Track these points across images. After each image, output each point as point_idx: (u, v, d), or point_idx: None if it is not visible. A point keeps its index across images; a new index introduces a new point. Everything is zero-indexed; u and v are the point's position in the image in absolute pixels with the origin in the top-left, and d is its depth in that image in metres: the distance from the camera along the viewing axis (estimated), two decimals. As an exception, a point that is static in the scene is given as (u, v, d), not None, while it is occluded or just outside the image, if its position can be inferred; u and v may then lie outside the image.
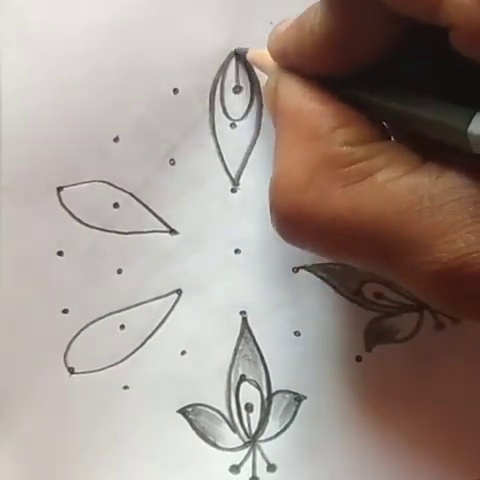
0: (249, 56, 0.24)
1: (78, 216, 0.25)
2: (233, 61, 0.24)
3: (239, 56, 0.24)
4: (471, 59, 0.15)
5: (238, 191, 0.26)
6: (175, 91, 0.24)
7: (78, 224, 0.25)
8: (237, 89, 0.25)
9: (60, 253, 0.25)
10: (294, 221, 0.18)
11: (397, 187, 0.17)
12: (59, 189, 0.25)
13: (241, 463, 0.26)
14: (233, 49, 0.24)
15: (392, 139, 0.19)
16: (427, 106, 0.17)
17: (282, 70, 0.20)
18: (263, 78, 0.24)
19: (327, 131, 0.18)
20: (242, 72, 0.25)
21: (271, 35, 0.21)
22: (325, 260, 0.26)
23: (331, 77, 0.19)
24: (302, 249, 0.19)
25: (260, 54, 0.22)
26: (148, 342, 0.26)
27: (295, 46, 0.19)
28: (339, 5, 0.17)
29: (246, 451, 0.26)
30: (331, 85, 0.19)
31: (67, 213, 0.25)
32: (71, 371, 0.26)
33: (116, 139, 0.25)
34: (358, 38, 0.17)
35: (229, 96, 0.25)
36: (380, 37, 0.17)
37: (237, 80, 0.25)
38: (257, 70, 0.24)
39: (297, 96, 0.19)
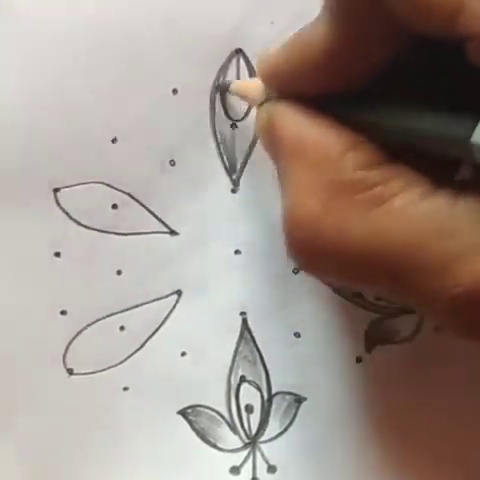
0: (233, 88, 0.23)
1: (75, 217, 0.25)
2: (234, 61, 0.24)
3: (222, 90, 0.24)
4: None
5: (238, 192, 0.26)
6: (174, 91, 0.24)
7: (75, 225, 0.25)
8: (238, 89, 0.25)
9: (57, 254, 0.25)
10: (312, 252, 0.18)
11: (416, 212, 0.16)
12: (56, 190, 0.25)
13: (241, 464, 0.26)
14: (234, 49, 0.24)
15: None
16: (428, 119, 0.17)
17: (275, 98, 0.19)
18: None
19: (336, 157, 0.17)
20: (243, 72, 0.24)
21: (260, 61, 0.20)
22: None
23: (331, 97, 0.18)
24: (320, 278, 0.19)
25: (245, 85, 0.21)
26: (148, 343, 0.26)
27: (293, 66, 0.18)
28: (343, 18, 0.17)
29: (246, 452, 0.26)
30: (331, 108, 0.18)
31: (64, 214, 0.25)
32: (70, 372, 0.26)
33: (114, 140, 0.24)
34: (362, 52, 0.17)
35: (230, 96, 0.24)
36: (383, 50, 0.17)
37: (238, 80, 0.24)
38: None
39: (297, 123, 0.18)
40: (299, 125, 0.18)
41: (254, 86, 0.20)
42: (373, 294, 0.19)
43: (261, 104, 0.20)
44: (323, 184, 0.17)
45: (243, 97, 0.22)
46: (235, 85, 0.23)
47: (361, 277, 0.18)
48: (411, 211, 0.17)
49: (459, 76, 0.17)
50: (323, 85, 0.18)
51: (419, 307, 0.17)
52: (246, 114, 0.25)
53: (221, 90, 0.24)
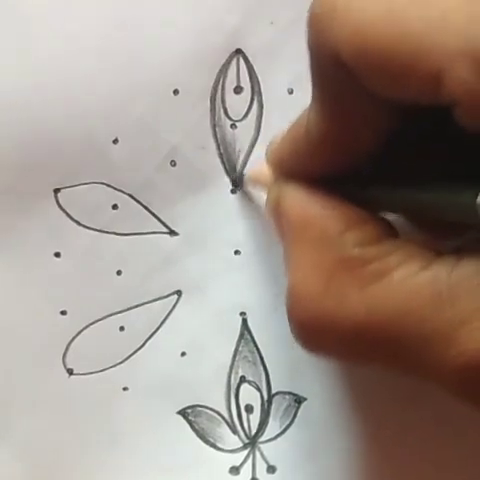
0: (248, 176, 0.24)
1: (76, 217, 0.25)
2: (234, 61, 0.24)
3: (236, 190, 0.25)
4: (478, 133, 0.15)
5: (238, 192, 0.26)
6: (175, 92, 0.24)
7: (76, 225, 0.25)
8: (238, 89, 0.24)
9: (57, 254, 0.25)
10: (313, 329, 0.18)
11: (415, 283, 0.16)
12: (56, 190, 0.25)
13: (241, 464, 0.26)
14: (234, 49, 0.24)
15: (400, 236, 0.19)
16: (430, 188, 0.17)
17: (282, 181, 0.20)
18: (263, 77, 0.25)
19: (336, 235, 0.18)
20: (243, 72, 0.24)
21: (268, 147, 0.20)
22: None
23: (330, 178, 0.18)
24: (324, 357, 0.19)
25: (258, 172, 0.22)
26: (148, 343, 0.26)
27: (291, 151, 0.19)
28: (329, 100, 0.17)
29: (246, 452, 0.26)
30: (332, 187, 0.18)
31: (64, 214, 0.25)
32: (70, 372, 0.26)
33: (115, 141, 0.24)
34: (351, 133, 0.17)
35: (230, 97, 0.24)
36: (375, 128, 0.17)
37: (238, 80, 0.24)
38: (259, 71, 0.24)
39: (300, 203, 0.19)
40: (302, 205, 0.19)
41: (265, 171, 0.21)
42: (378, 369, 0.19)
43: (270, 186, 0.21)
44: (323, 262, 0.18)
45: (256, 182, 0.23)
46: (250, 173, 0.24)
47: (362, 354, 0.18)
48: (410, 283, 0.16)
49: (454, 141, 0.17)
50: (322, 167, 0.18)
51: (424, 379, 0.17)
52: (246, 114, 0.25)
53: (236, 189, 0.25)
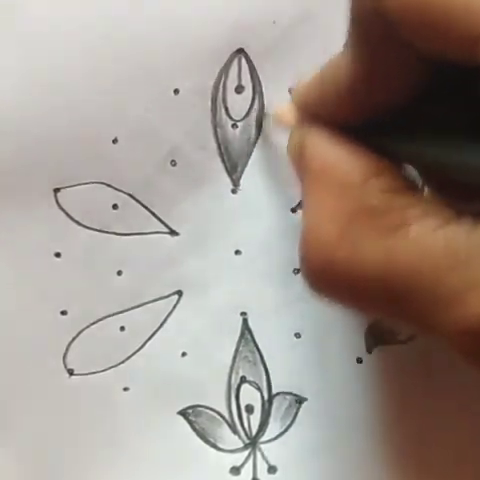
0: (272, 115, 0.23)
1: (75, 217, 0.25)
2: (235, 61, 0.24)
3: (267, 116, 0.24)
4: None
5: (239, 192, 0.25)
6: (176, 91, 0.24)
7: (75, 225, 0.25)
8: (239, 89, 0.24)
9: (58, 255, 0.25)
10: (326, 277, 0.18)
11: (432, 240, 0.16)
12: (56, 190, 0.25)
13: (242, 465, 0.26)
14: (236, 48, 0.24)
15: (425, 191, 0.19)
16: (455, 146, 0.17)
17: (307, 125, 0.19)
18: (265, 76, 0.24)
19: (358, 182, 0.17)
20: (244, 72, 0.24)
21: (295, 89, 0.20)
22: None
23: (355, 126, 0.18)
24: (335, 304, 0.19)
25: (282, 111, 0.21)
26: (148, 343, 0.26)
27: (319, 97, 0.19)
28: (364, 48, 0.17)
29: (247, 453, 0.26)
30: (359, 135, 0.18)
31: (64, 214, 0.25)
32: (71, 373, 0.26)
33: (115, 140, 0.24)
34: (383, 81, 0.17)
35: (231, 96, 0.24)
36: (406, 80, 0.17)
37: (239, 80, 0.24)
38: (260, 71, 0.24)
39: (323, 147, 0.18)
40: (325, 149, 0.18)
41: (289, 111, 0.21)
42: (386, 322, 0.19)
43: (294, 128, 0.21)
44: (342, 209, 0.17)
45: (277, 122, 0.23)
46: (274, 112, 0.23)
47: (373, 305, 0.18)
48: (427, 239, 0.16)
49: None
50: (350, 113, 0.18)
51: (432, 337, 0.17)
52: (247, 114, 0.25)
53: (265, 117, 0.24)
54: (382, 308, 0.17)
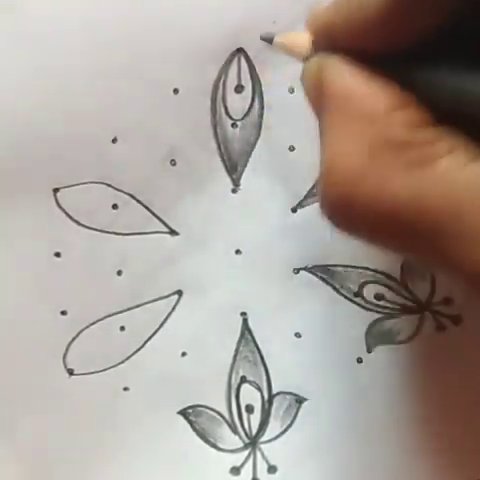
0: (277, 41, 0.21)
1: (75, 217, 0.25)
2: (235, 60, 0.24)
3: (266, 41, 0.21)
4: None
5: (239, 192, 0.25)
6: (175, 91, 0.24)
7: (75, 225, 0.25)
8: (239, 88, 0.24)
9: (58, 254, 0.25)
10: (349, 210, 0.17)
11: (460, 176, 0.16)
12: (56, 190, 0.25)
13: (242, 465, 0.26)
14: (235, 48, 0.24)
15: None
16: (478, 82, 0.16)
17: (327, 52, 0.18)
18: (264, 76, 0.24)
19: (384, 113, 0.17)
20: (244, 71, 0.24)
21: (312, 14, 0.19)
22: (326, 261, 0.25)
23: (384, 56, 0.17)
24: (355, 238, 0.18)
25: (291, 38, 0.20)
26: (148, 343, 0.26)
27: (343, 22, 0.17)
28: None
29: (247, 453, 0.26)
30: (383, 65, 0.17)
31: (64, 214, 0.25)
32: (71, 373, 0.26)
33: (115, 140, 0.24)
34: (413, 11, 0.16)
35: (231, 96, 0.24)
36: (435, 9, 0.16)
37: (239, 79, 0.24)
38: (260, 70, 0.24)
39: (348, 78, 0.17)
40: (349, 79, 0.18)
41: (301, 40, 0.20)
42: (404, 256, 0.18)
43: (307, 58, 0.19)
44: (368, 138, 0.17)
45: (289, 50, 0.21)
46: (280, 38, 0.21)
47: (396, 238, 0.17)
48: (454, 176, 0.16)
49: None
50: (375, 42, 0.17)
51: (452, 274, 0.16)
52: (246, 113, 0.25)
53: (264, 41, 0.22)
54: (406, 243, 0.17)
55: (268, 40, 0.21)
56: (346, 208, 0.17)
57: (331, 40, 0.18)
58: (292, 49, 0.20)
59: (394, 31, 0.17)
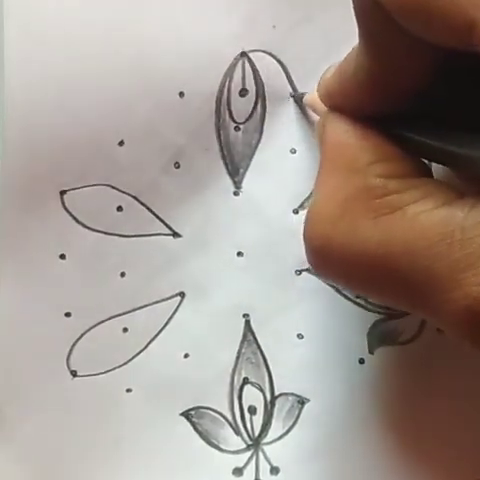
0: (305, 100, 0.24)
1: (81, 219, 0.25)
2: (239, 64, 0.25)
3: (295, 99, 0.25)
4: None
5: (241, 194, 0.26)
6: (181, 94, 0.24)
7: (81, 227, 0.25)
8: (243, 92, 0.25)
9: (62, 256, 0.25)
10: (324, 253, 0.18)
11: (428, 220, 0.16)
12: (62, 192, 0.25)
13: (244, 466, 0.26)
14: (239, 52, 0.24)
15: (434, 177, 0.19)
16: (463, 141, 0.17)
17: (330, 110, 0.20)
18: (268, 82, 0.25)
19: (364, 165, 0.18)
20: (248, 75, 0.25)
21: (320, 80, 0.21)
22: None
23: (374, 116, 0.19)
24: (334, 283, 0.19)
25: (314, 97, 0.22)
26: (151, 345, 0.26)
27: (339, 89, 0.19)
28: (374, 46, 0.17)
29: (249, 454, 0.26)
30: (374, 122, 0.19)
31: (70, 216, 0.25)
32: (74, 374, 0.26)
33: (121, 143, 0.25)
34: (394, 72, 0.18)
35: (235, 99, 0.25)
36: (419, 72, 0.17)
37: (243, 83, 0.25)
38: (263, 73, 0.25)
39: (339, 131, 0.19)
40: (340, 132, 0.19)
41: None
42: (383, 303, 0.19)
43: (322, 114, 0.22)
44: (344, 189, 0.18)
45: (312, 108, 0.24)
46: (307, 97, 0.24)
47: (369, 284, 0.18)
48: (423, 220, 0.16)
49: None
50: (366, 104, 0.19)
51: (434, 321, 0.17)
52: (249, 117, 0.25)
53: (296, 99, 0.25)
54: (378, 288, 0.18)
55: (299, 98, 0.25)
56: (323, 252, 0.18)
57: (331, 102, 0.20)
58: (315, 106, 0.23)
59: (381, 93, 0.18)
